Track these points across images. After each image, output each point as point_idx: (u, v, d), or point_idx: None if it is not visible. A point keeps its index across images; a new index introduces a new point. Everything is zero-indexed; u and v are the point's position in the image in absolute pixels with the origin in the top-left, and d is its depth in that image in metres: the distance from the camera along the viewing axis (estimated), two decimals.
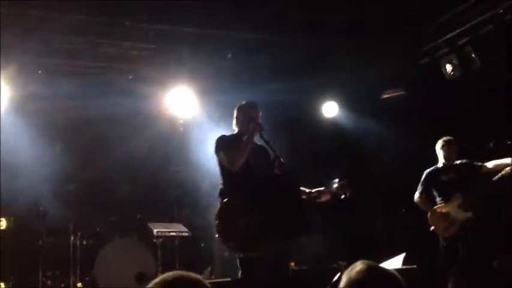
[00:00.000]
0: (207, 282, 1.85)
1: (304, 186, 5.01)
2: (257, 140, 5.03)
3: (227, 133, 5.13)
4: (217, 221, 4.69)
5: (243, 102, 5.06)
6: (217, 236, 4.70)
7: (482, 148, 6.40)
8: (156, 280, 1.82)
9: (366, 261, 1.95)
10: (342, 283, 1.93)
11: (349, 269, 1.95)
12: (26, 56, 6.94)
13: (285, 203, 4.61)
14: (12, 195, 7.01)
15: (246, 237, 4.53)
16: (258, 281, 4.55)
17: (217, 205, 4.80)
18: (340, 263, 7.50)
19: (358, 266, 1.92)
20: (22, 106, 7.27)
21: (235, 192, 4.71)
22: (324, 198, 5.01)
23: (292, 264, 5.85)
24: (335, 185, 4.96)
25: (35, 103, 7.36)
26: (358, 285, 1.88)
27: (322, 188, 5.01)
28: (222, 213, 4.65)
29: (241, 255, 4.61)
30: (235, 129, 5.06)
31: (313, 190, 5.02)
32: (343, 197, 5.00)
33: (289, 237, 4.71)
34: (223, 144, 4.84)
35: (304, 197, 4.95)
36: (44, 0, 6.45)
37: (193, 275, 1.84)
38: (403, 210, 8.52)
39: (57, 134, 7.19)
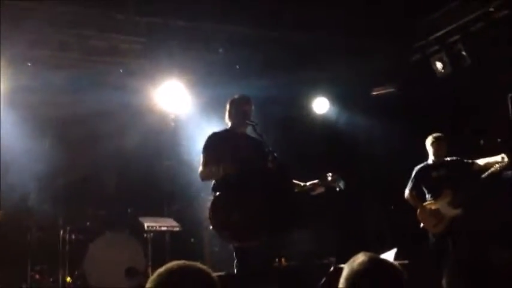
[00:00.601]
0: (210, 271, 1.85)
1: (296, 180, 5.05)
2: (251, 133, 5.06)
3: (218, 127, 5.15)
4: (211, 213, 4.74)
5: (236, 96, 5.09)
6: (211, 227, 4.73)
7: (472, 146, 6.44)
8: (161, 270, 1.82)
9: (367, 253, 1.97)
10: (344, 274, 1.94)
11: (351, 260, 1.97)
12: (16, 47, 6.85)
13: (277, 196, 4.63)
14: (1, 190, 6.93)
15: (241, 227, 4.58)
16: (252, 271, 4.58)
17: (210, 200, 4.82)
18: (331, 259, 7.57)
19: (360, 257, 1.95)
20: (11, 99, 7.18)
21: (227, 186, 4.75)
22: (318, 190, 5.08)
23: (283, 260, 5.86)
24: (329, 178, 5.04)
25: (24, 96, 7.27)
26: (361, 276, 1.90)
27: (316, 181, 5.06)
28: (216, 205, 4.71)
29: (237, 244, 4.63)
30: (227, 123, 5.09)
31: (308, 183, 5.07)
32: (337, 189, 5.07)
33: (281, 230, 4.73)
34: (206, 152, 4.89)
35: (297, 190, 4.99)
36: None
37: (198, 264, 1.85)
38: (392, 207, 8.57)
39: (46, 128, 7.11)
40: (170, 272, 1.80)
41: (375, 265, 1.93)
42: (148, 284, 1.80)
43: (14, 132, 7.13)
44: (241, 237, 4.61)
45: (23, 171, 7.02)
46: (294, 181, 5.04)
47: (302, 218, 5.06)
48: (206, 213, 4.82)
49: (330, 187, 5.09)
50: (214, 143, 4.94)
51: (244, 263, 4.61)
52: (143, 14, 7.08)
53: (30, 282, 6.55)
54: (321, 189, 5.09)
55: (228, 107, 5.08)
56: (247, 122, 4.91)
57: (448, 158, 6.47)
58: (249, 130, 5.05)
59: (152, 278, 1.81)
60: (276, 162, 4.70)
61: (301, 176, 5.16)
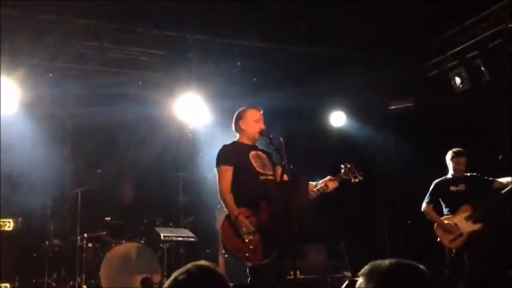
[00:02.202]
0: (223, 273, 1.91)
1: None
2: (265, 145, 5.05)
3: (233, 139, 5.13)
4: (221, 236, 4.73)
5: (244, 108, 5.02)
6: (223, 250, 4.69)
7: (490, 161, 6.39)
8: (181, 270, 1.88)
9: (389, 259, 1.96)
10: (366, 277, 1.90)
11: (377, 263, 1.94)
12: (36, 58, 6.99)
13: (292, 210, 4.59)
14: (20, 197, 7.04)
15: (255, 249, 4.55)
16: (266, 285, 4.55)
17: (223, 213, 4.81)
18: (346, 273, 7.53)
19: (387, 260, 1.92)
20: (32, 108, 7.31)
21: (240, 202, 4.69)
22: (332, 186, 4.91)
23: (298, 272, 5.83)
24: (342, 171, 4.92)
25: (44, 106, 7.41)
26: (388, 273, 1.88)
27: (328, 177, 4.93)
28: (226, 228, 4.67)
29: (250, 265, 4.61)
30: (237, 134, 5.05)
31: (320, 182, 4.93)
32: (353, 181, 4.96)
33: (295, 243, 4.69)
34: (222, 162, 4.81)
35: (312, 194, 4.91)
36: (56, 4, 6.51)
37: (212, 265, 1.92)
38: (409, 222, 8.51)
39: (66, 137, 7.22)
40: (188, 273, 1.86)
41: (404, 266, 1.91)
42: (166, 285, 1.88)
43: (35, 141, 7.25)
44: (256, 258, 4.56)
45: (41, 180, 7.13)
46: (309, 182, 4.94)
47: (315, 231, 4.98)
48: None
49: (345, 180, 4.93)
50: (227, 152, 4.89)
51: (257, 280, 4.59)
52: (162, 28, 7.18)
53: None
54: (334, 185, 4.90)
55: (235, 118, 5.01)
56: (264, 134, 4.90)
57: (468, 174, 6.43)
58: (262, 142, 5.05)
59: (170, 278, 1.89)
60: (291, 175, 4.67)
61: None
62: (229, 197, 4.70)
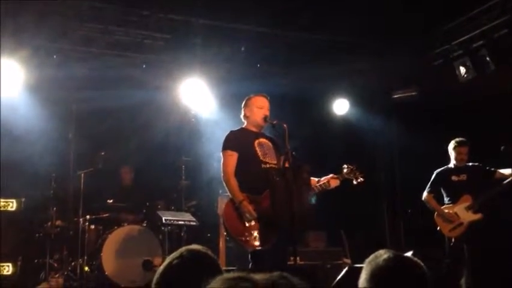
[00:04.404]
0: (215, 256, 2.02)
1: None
2: (269, 131, 5.10)
3: (238, 125, 5.19)
4: (224, 218, 4.82)
5: (252, 95, 5.11)
6: (225, 233, 4.75)
7: (493, 151, 6.40)
8: (175, 255, 1.93)
9: (390, 250, 1.98)
10: (368, 271, 1.93)
11: (372, 257, 1.96)
12: (40, 39, 6.98)
13: (294, 196, 4.63)
14: (23, 178, 7.08)
15: (253, 234, 4.62)
16: (266, 269, 4.59)
17: (225, 199, 4.87)
18: (346, 259, 7.57)
19: (385, 254, 1.94)
20: (35, 90, 7.32)
21: (243, 188, 4.78)
22: (334, 184, 5.03)
23: (298, 259, 5.87)
24: (345, 170, 5.02)
25: (48, 88, 7.41)
26: (388, 272, 1.89)
27: (331, 175, 5.04)
28: (229, 211, 4.75)
29: (251, 249, 4.66)
30: (244, 121, 5.14)
31: (323, 178, 5.04)
32: (355, 182, 5.03)
33: (296, 229, 4.74)
34: (227, 148, 4.90)
35: (315, 188, 4.98)
36: None
37: (204, 248, 1.99)
38: (409, 210, 8.54)
39: (69, 120, 7.22)
40: (181, 257, 1.95)
41: (400, 262, 1.93)
42: (161, 269, 1.94)
43: (39, 122, 7.27)
44: (255, 244, 4.63)
45: (45, 161, 7.16)
46: (311, 178, 5.03)
47: (315, 218, 5.03)
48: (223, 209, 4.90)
49: (346, 179, 5.04)
50: (234, 138, 4.97)
51: (259, 266, 4.64)
52: (167, 11, 7.15)
53: (48, 270, 6.66)
54: (336, 183, 5.03)
55: (244, 105, 5.12)
56: (268, 121, 4.95)
57: (470, 164, 6.45)
58: (267, 129, 5.10)
59: (164, 263, 1.94)
60: (294, 162, 4.71)
61: (318, 176, 5.16)
62: (234, 181, 4.79)
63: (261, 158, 4.89)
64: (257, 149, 4.92)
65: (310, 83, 8.26)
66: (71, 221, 7.04)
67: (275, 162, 4.95)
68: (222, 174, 4.88)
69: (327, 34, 7.84)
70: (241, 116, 5.15)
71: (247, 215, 4.64)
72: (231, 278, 1.26)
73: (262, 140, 5.04)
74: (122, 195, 7.51)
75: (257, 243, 4.63)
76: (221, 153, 4.95)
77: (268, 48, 8.03)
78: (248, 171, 4.83)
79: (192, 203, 7.59)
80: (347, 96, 8.95)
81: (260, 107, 5.01)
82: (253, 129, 5.06)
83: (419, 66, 8.33)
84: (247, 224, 4.65)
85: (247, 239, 4.63)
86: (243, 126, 5.13)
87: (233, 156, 4.87)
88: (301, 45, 8.06)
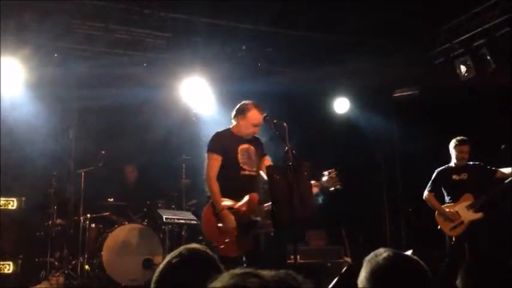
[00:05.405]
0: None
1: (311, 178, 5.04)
2: (270, 130, 5.11)
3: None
4: (203, 219, 5.01)
5: (251, 106, 5.11)
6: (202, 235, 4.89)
7: (493, 150, 6.40)
8: (174, 254, 1.94)
9: (389, 249, 1.97)
10: (368, 269, 1.93)
11: (372, 255, 1.96)
12: (41, 38, 6.98)
13: (295, 194, 4.64)
14: (24, 177, 7.09)
15: (228, 242, 4.77)
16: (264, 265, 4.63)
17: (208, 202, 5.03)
18: (346, 258, 7.57)
19: (384, 252, 1.93)
20: (37, 89, 7.32)
21: (223, 193, 4.93)
22: (314, 190, 4.99)
23: (298, 257, 5.88)
24: (324, 178, 4.92)
25: (49, 86, 7.42)
26: (388, 271, 1.89)
27: (313, 182, 4.98)
28: (209, 215, 4.93)
29: (220, 254, 4.70)
30: (233, 122, 5.19)
31: None
32: (332, 189, 4.96)
33: (298, 227, 4.77)
34: (212, 150, 5.02)
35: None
36: None
37: (202, 247, 2.00)
38: (410, 209, 8.54)
39: (70, 118, 7.23)
40: (180, 256, 1.96)
41: (400, 260, 1.93)
42: (160, 268, 1.95)
43: (38, 122, 7.28)
44: (228, 250, 4.75)
45: (46, 160, 7.17)
46: None
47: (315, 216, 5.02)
48: None
49: (326, 187, 4.93)
50: (219, 140, 5.10)
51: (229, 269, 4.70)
52: (168, 10, 7.15)
53: (49, 269, 6.67)
54: (316, 190, 4.96)
55: (237, 109, 5.14)
56: (267, 120, 4.96)
57: (471, 163, 6.44)
58: (267, 128, 5.12)
59: (164, 261, 1.96)
60: (294, 159, 4.71)
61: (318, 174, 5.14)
62: (216, 186, 4.94)
63: (242, 166, 5.03)
64: (239, 155, 5.05)
65: (310, 81, 8.25)
66: (72, 219, 7.06)
67: (255, 169, 5.10)
68: (205, 177, 5.03)
69: (327, 33, 7.84)
70: (232, 116, 5.18)
71: (226, 224, 4.79)
72: (239, 274, 1.27)
73: (246, 145, 5.15)
74: (125, 194, 7.51)
75: (230, 250, 4.76)
76: (206, 154, 5.08)
77: (269, 47, 8.03)
78: (228, 176, 4.99)
79: (193, 202, 7.58)
80: (348, 95, 8.94)
81: (255, 125, 5.10)
82: (240, 135, 5.15)
83: (420, 65, 8.33)
84: (223, 230, 4.80)
85: (221, 246, 4.76)
86: (231, 127, 5.21)
87: (217, 161, 5.00)
88: (302, 44, 8.05)
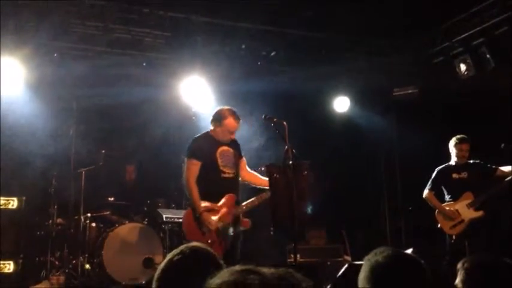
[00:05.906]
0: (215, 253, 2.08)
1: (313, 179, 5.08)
2: (269, 129, 5.14)
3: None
4: (184, 223, 5.14)
5: (227, 113, 5.22)
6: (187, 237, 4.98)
7: (493, 149, 6.40)
8: (175, 252, 1.95)
9: (389, 248, 1.98)
10: (367, 268, 1.94)
11: (372, 254, 1.96)
12: (41, 37, 6.98)
13: (294, 193, 4.65)
14: (24, 176, 7.09)
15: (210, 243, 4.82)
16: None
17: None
18: (346, 257, 7.58)
19: (384, 251, 1.94)
20: (36, 88, 7.32)
21: (203, 196, 5.05)
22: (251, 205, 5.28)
23: (298, 256, 5.89)
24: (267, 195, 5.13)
25: (49, 86, 7.42)
26: (386, 269, 1.89)
27: (253, 199, 5.25)
28: (189, 219, 5.06)
29: None
30: (211, 127, 5.31)
31: (244, 203, 5.25)
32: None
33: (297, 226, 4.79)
34: (191, 156, 5.11)
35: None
36: None
37: (204, 246, 2.01)
38: (410, 208, 8.54)
39: (70, 118, 7.23)
40: (182, 253, 1.99)
41: (402, 259, 1.93)
42: (162, 265, 1.95)
43: (38, 121, 7.28)
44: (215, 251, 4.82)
45: (46, 159, 7.17)
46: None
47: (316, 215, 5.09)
48: None
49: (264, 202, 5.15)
50: (198, 146, 5.19)
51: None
52: (168, 9, 7.15)
53: (49, 268, 6.67)
54: (254, 204, 5.19)
55: (216, 114, 5.27)
56: (267, 119, 5.00)
57: (471, 161, 6.44)
58: (267, 127, 5.17)
59: (165, 259, 1.96)
60: (294, 158, 4.73)
61: (319, 174, 5.18)
62: (195, 191, 5.04)
63: (221, 168, 5.14)
64: (218, 158, 5.16)
65: (310, 80, 8.25)
66: (72, 219, 7.05)
67: (233, 171, 5.21)
68: (185, 181, 5.15)
69: (327, 32, 7.84)
70: (210, 121, 5.31)
71: (206, 227, 4.92)
72: (239, 270, 1.28)
73: (225, 148, 5.25)
74: (125, 193, 7.51)
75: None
76: (185, 159, 5.19)
77: (269, 46, 8.03)
78: (208, 179, 5.09)
79: None
80: (348, 94, 8.94)
81: (231, 133, 5.25)
82: (218, 138, 5.26)
83: (419, 64, 8.34)
84: (203, 233, 4.93)
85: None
86: (209, 131, 5.32)
87: (196, 166, 5.11)
88: (301, 43, 8.05)
